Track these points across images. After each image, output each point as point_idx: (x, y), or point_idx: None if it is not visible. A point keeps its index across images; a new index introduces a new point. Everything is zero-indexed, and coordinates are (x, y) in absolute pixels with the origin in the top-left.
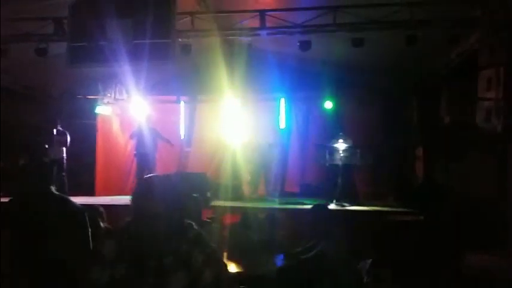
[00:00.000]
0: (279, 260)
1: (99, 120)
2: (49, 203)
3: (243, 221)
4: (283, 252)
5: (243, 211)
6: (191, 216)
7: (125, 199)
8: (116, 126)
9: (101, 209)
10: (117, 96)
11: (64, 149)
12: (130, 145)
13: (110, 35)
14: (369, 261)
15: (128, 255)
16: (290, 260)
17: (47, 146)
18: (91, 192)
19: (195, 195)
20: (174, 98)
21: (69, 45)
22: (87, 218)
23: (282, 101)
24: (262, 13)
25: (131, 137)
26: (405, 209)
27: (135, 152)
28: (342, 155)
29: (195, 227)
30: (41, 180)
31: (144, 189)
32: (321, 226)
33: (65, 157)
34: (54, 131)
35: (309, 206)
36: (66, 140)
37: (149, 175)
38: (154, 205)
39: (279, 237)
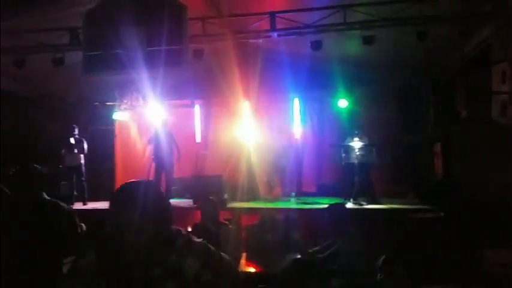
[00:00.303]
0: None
1: (116, 126)
2: (38, 211)
3: (261, 222)
4: (299, 251)
5: (260, 212)
6: (208, 218)
7: None
8: (133, 131)
9: None
10: (134, 102)
11: (82, 155)
12: (148, 150)
13: (124, 43)
14: (382, 258)
15: (109, 269)
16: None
17: (63, 152)
18: None
19: (211, 197)
20: (188, 102)
21: (84, 55)
22: (77, 221)
23: (296, 101)
24: (272, 15)
25: (149, 142)
26: (425, 206)
27: (152, 157)
28: (357, 153)
29: (184, 232)
30: (31, 188)
31: (123, 196)
32: (338, 225)
33: (83, 163)
34: (71, 139)
35: (326, 206)
36: (83, 147)
37: (130, 181)
38: (134, 213)
39: (296, 237)
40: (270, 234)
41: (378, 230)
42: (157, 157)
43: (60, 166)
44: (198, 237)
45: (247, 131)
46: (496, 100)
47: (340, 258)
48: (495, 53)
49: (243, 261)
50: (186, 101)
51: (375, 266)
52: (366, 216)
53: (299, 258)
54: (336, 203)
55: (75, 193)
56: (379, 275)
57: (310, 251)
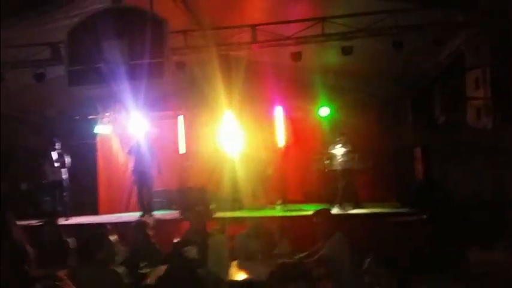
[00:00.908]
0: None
1: (98, 140)
2: None
3: (249, 230)
4: (287, 257)
5: (247, 221)
6: (196, 228)
7: (129, 216)
8: (115, 144)
9: (108, 226)
10: (116, 115)
11: (64, 170)
12: (131, 163)
13: (107, 56)
14: (368, 260)
15: None
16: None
17: (45, 168)
18: (94, 212)
19: (197, 208)
20: (172, 113)
21: (67, 69)
22: None
23: (279, 109)
24: (253, 27)
25: (129, 153)
26: (407, 210)
27: (132, 169)
28: (340, 160)
29: None
30: None
31: None
32: (324, 230)
33: (66, 178)
34: (53, 153)
35: (311, 212)
36: (65, 161)
37: None
38: None
39: (283, 244)
40: (257, 242)
41: (363, 234)
42: (137, 170)
43: (44, 181)
44: (186, 249)
45: (230, 141)
46: (471, 106)
47: (328, 262)
48: (468, 60)
49: (232, 269)
50: (170, 112)
51: (361, 269)
52: (351, 221)
53: (286, 262)
54: (322, 209)
55: (58, 208)
56: (366, 277)
57: (298, 256)
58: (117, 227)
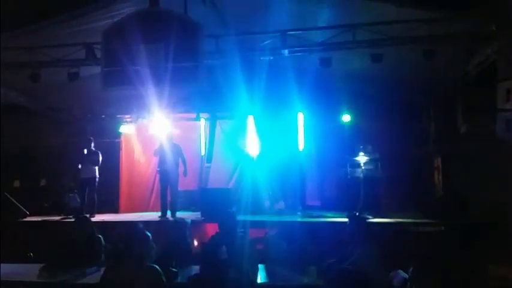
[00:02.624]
0: (313, 271)
1: (122, 139)
2: None
3: (278, 233)
4: (316, 263)
5: (267, 225)
6: (226, 230)
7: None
8: (138, 144)
9: (140, 224)
10: (140, 115)
11: (97, 168)
12: (153, 163)
13: (141, 59)
14: (411, 269)
15: None
16: (327, 270)
17: (79, 166)
18: (115, 210)
19: (229, 210)
20: (194, 115)
21: (103, 70)
22: None
23: (300, 115)
24: (283, 33)
25: (155, 154)
26: (427, 220)
27: (158, 169)
28: (363, 167)
29: None
30: None
31: None
32: (357, 236)
33: (97, 176)
34: (85, 150)
35: (332, 219)
36: (98, 159)
37: None
38: None
39: (311, 248)
40: (285, 245)
41: (385, 243)
42: (162, 169)
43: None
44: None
45: (251, 145)
46: (501, 117)
47: (360, 269)
48: (500, 71)
49: (261, 272)
50: (192, 114)
51: (389, 276)
52: (378, 229)
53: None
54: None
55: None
56: (408, 284)
57: (328, 262)
58: (148, 225)
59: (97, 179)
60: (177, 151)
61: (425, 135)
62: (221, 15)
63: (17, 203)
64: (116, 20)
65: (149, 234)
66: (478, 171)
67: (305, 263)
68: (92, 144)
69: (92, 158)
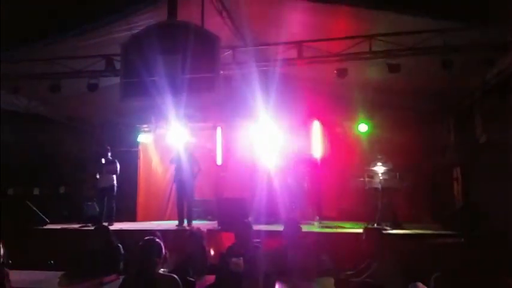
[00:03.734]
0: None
1: (140, 148)
2: None
3: (289, 244)
4: (333, 275)
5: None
6: (243, 240)
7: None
8: (156, 154)
9: (157, 233)
10: (158, 124)
11: (114, 176)
12: (170, 172)
13: (160, 70)
14: (434, 276)
15: None
16: (343, 284)
17: (98, 176)
18: (132, 219)
19: (247, 220)
20: (210, 124)
21: (122, 81)
22: None
23: (316, 124)
24: (299, 44)
25: (171, 162)
26: (446, 232)
27: (174, 178)
28: (381, 178)
29: None
30: None
31: None
32: (374, 248)
33: (115, 185)
34: (103, 159)
35: (349, 230)
36: (116, 168)
37: None
38: None
39: (326, 260)
40: (301, 256)
41: (407, 254)
42: (178, 179)
43: (95, 187)
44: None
45: (267, 154)
46: None
47: (379, 279)
48: None
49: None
50: (208, 124)
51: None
52: (396, 241)
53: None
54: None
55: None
56: None
57: (346, 273)
58: (166, 234)
59: (115, 188)
60: (193, 160)
61: (444, 145)
62: (237, 26)
63: (37, 211)
64: (134, 32)
65: (160, 242)
66: (498, 182)
67: (322, 274)
68: (109, 154)
69: (109, 167)
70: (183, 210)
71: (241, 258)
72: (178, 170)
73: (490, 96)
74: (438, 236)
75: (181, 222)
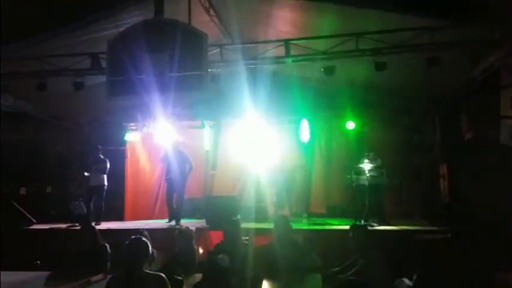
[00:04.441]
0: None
1: (128, 147)
2: None
3: (278, 241)
4: (320, 271)
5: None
6: (230, 238)
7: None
8: (144, 152)
9: (145, 232)
10: (145, 123)
11: (105, 176)
12: (158, 171)
13: (147, 68)
14: (415, 277)
15: None
16: (330, 280)
17: (86, 174)
18: (120, 218)
19: (235, 218)
20: (198, 122)
21: (108, 79)
22: None
23: (305, 122)
24: (287, 42)
25: (161, 161)
26: (433, 228)
27: (165, 177)
28: (368, 175)
29: None
30: None
31: None
32: (360, 245)
33: (105, 184)
34: (91, 158)
35: (337, 227)
36: (106, 167)
37: None
38: None
39: (314, 257)
40: (286, 253)
41: (391, 251)
42: (169, 177)
43: (84, 186)
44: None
45: (256, 152)
46: (505, 124)
47: (363, 277)
48: (504, 78)
49: (265, 281)
50: (196, 122)
51: (394, 285)
52: (382, 237)
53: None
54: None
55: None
56: None
57: (332, 270)
58: (153, 233)
59: (105, 187)
60: (184, 159)
61: (430, 142)
62: (225, 24)
63: (24, 211)
64: (121, 29)
65: (147, 241)
66: (483, 178)
67: (310, 271)
68: (100, 152)
69: (100, 166)
70: (173, 208)
71: (225, 254)
72: (168, 168)
73: (476, 94)
74: (425, 232)
75: (171, 219)
